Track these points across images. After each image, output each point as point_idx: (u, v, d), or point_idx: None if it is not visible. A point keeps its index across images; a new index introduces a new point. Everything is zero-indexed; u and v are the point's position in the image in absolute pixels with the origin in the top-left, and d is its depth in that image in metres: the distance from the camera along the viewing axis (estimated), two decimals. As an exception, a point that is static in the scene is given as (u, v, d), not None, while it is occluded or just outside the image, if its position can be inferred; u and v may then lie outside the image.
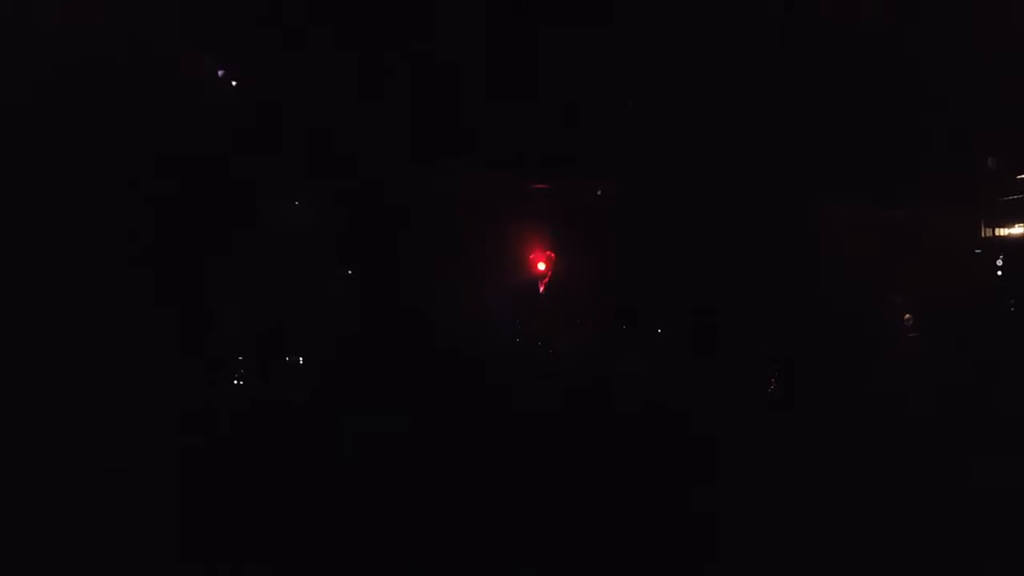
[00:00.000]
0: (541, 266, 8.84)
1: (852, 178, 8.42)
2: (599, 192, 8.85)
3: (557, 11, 7.46)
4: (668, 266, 8.50)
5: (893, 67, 7.93)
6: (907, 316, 8.38)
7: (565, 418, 7.19)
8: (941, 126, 7.98)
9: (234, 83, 8.23)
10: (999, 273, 8.55)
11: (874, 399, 7.46)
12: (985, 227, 8.54)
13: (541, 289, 8.85)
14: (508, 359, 8.31)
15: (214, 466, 6.13)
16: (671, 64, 8.00)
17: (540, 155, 8.21)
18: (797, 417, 7.26)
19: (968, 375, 7.52)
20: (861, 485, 5.92)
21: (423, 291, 8.27)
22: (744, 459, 6.37)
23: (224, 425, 7.01)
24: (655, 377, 8.02)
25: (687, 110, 8.22)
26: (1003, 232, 8.46)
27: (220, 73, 8.18)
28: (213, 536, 5.33)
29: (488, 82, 7.83)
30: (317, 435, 6.86)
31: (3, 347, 6.15)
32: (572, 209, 8.87)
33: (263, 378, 8.04)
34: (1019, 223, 8.37)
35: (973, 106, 7.76)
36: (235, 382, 7.95)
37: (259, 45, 7.83)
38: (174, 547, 5.16)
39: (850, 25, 7.86)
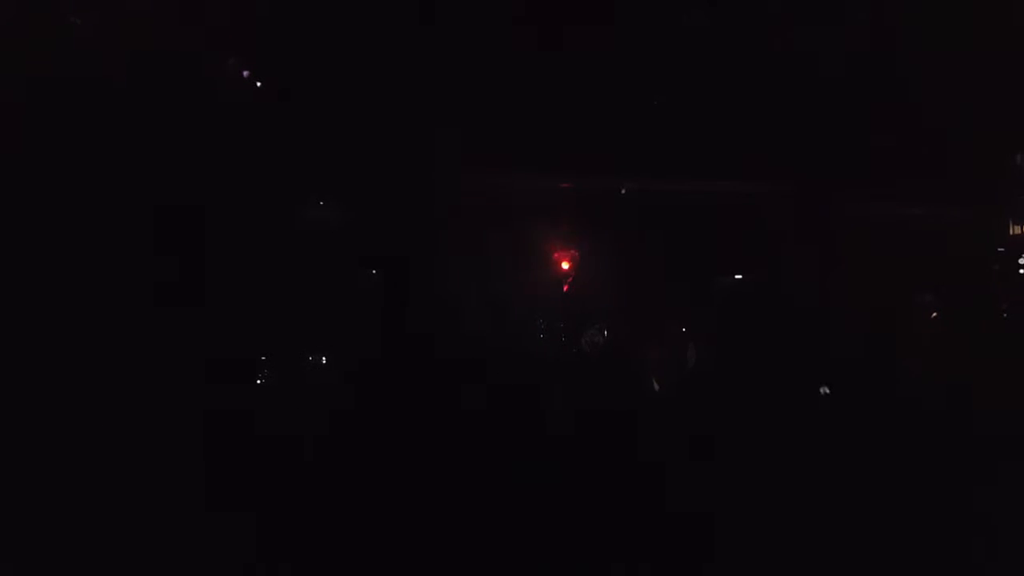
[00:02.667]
0: (565, 265, 8.84)
1: (874, 176, 8.42)
2: (623, 191, 8.86)
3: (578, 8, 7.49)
4: (692, 266, 8.52)
5: (912, 65, 7.93)
6: (934, 315, 8.32)
7: (587, 417, 7.17)
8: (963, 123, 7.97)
9: (259, 83, 8.28)
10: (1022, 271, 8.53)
11: (903, 399, 7.40)
12: (1013, 225, 8.50)
13: (565, 288, 8.85)
14: (530, 359, 8.30)
15: (236, 466, 6.13)
16: (692, 63, 8.02)
17: (564, 154, 8.23)
18: (823, 418, 7.22)
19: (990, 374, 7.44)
20: (885, 487, 5.89)
21: (446, 290, 8.27)
22: (770, 461, 6.34)
23: (248, 424, 7.00)
24: (678, 379, 7.99)
25: (708, 107, 8.23)
26: (1032, 230, 8.43)
27: (245, 74, 8.23)
28: (233, 537, 5.32)
29: (509, 78, 7.86)
30: (340, 435, 6.86)
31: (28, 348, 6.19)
32: (597, 208, 8.87)
33: (286, 378, 8.03)
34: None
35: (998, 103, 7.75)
36: (259, 382, 7.95)
37: (285, 45, 7.89)
38: (193, 547, 5.16)
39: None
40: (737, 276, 8.72)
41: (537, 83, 7.97)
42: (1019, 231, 8.46)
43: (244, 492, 5.82)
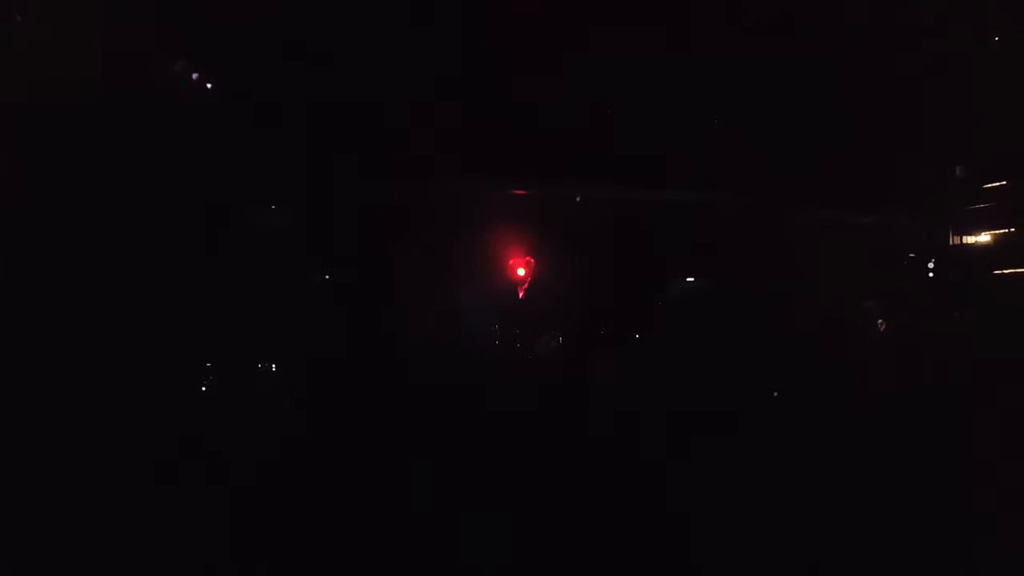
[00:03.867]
0: (520, 272, 8.83)
1: (823, 186, 8.60)
2: (578, 198, 8.91)
3: (540, 14, 7.52)
4: (646, 273, 8.60)
5: (861, 76, 8.13)
6: (880, 322, 8.51)
7: (543, 422, 7.17)
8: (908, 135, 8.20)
9: (209, 85, 8.15)
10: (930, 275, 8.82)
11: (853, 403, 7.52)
12: (953, 235, 8.76)
13: (520, 295, 8.84)
14: (486, 364, 8.28)
15: (183, 473, 5.98)
16: (648, 71, 8.11)
17: (520, 160, 8.24)
18: (777, 422, 7.30)
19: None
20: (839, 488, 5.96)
21: (400, 296, 8.21)
22: (724, 462, 6.39)
23: (195, 431, 6.83)
24: (631, 382, 8.04)
25: (662, 116, 8.34)
26: (971, 240, 8.68)
27: (195, 76, 8.10)
28: (184, 543, 5.19)
29: (469, 85, 7.85)
30: (290, 442, 6.74)
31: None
32: (552, 215, 8.90)
33: (234, 384, 7.86)
34: (986, 231, 8.59)
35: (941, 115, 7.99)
36: (203, 388, 7.76)
37: (236, 46, 7.77)
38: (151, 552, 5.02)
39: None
40: (688, 279, 8.84)
41: (496, 90, 7.98)
42: (959, 240, 8.73)
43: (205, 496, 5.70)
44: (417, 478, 6.15)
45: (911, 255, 9.04)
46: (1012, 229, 8.48)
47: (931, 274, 8.85)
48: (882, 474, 6.09)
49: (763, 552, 5.35)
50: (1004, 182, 8.42)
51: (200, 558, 5.07)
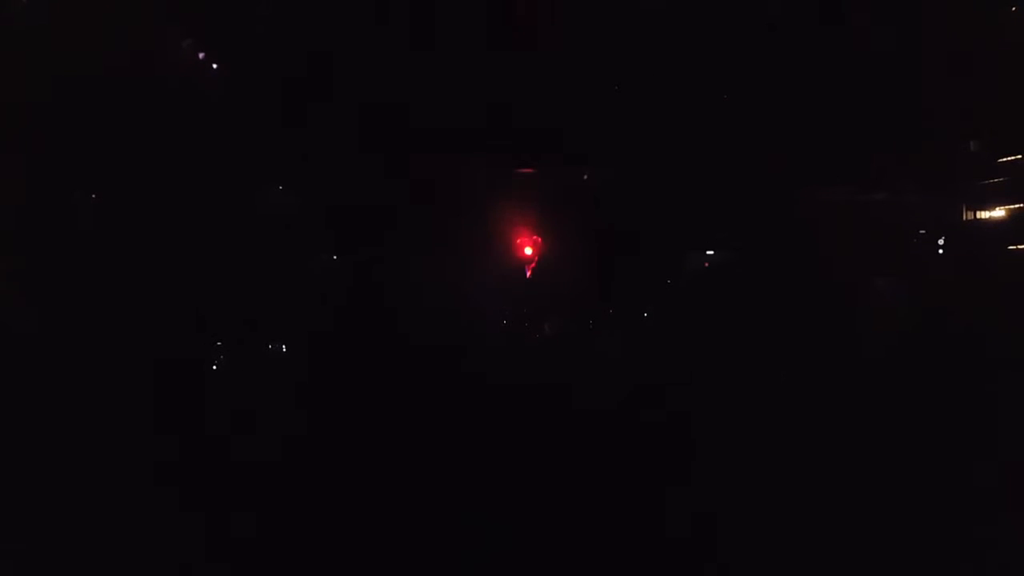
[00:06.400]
0: (528, 251, 8.82)
1: (832, 162, 8.51)
2: (585, 176, 8.86)
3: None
4: (653, 250, 8.56)
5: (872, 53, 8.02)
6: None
7: (552, 403, 7.17)
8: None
9: (215, 65, 8.16)
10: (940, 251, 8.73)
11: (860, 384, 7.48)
12: (967, 210, 8.64)
13: (528, 274, 8.83)
14: (495, 344, 8.30)
15: (192, 458, 6.03)
16: (657, 47, 8.04)
17: (527, 139, 8.21)
18: (783, 404, 7.28)
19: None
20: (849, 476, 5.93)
21: (408, 276, 8.22)
22: (731, 445, 6.38)
23: (202, 416, 6.89)
24: (639, 362, 8.04)
25: (671, 94, 8.26)
26: (985, 215, 8.56)
27: (201, 56, 8.11)
28: (191, 532, 5.23)
29: (473, 62, 7.82)
30: (299, 425, 6.78)
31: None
32: (558, 193, 8.86)
33: (243, 366, 7.93)
34: (1001, 206, 8.47)
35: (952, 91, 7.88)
36: (214, 368, 7.83)
37: (241, 28, 7.78)
38: (154, 544, 5.07)
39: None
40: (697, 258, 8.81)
41: (502, 71, 7.95)
42: (972, 216, 8.61)
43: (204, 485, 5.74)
44: (425, 461, 6.18)
45: (922, 232, 8.92)
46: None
47: (940, 251, 8.73)
48: (887, 460, 6.05)
49: (769, 538, 5.34)
50: (1019, 155, 8.29)
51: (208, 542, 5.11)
